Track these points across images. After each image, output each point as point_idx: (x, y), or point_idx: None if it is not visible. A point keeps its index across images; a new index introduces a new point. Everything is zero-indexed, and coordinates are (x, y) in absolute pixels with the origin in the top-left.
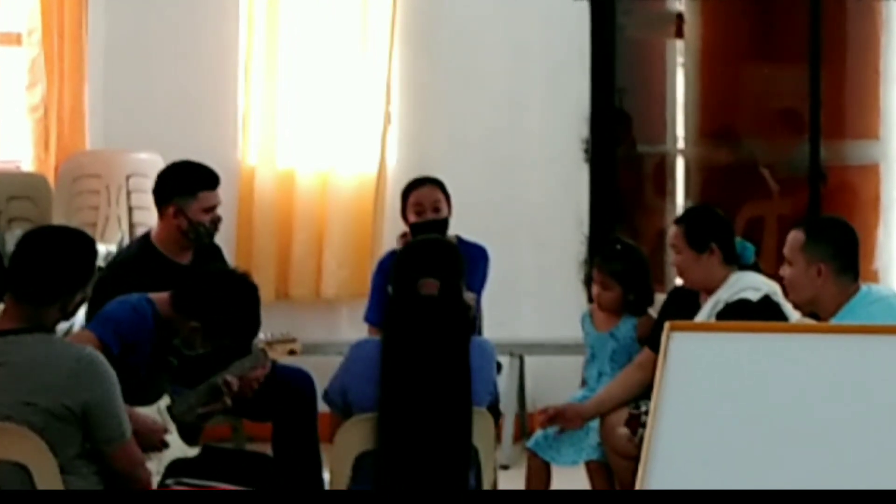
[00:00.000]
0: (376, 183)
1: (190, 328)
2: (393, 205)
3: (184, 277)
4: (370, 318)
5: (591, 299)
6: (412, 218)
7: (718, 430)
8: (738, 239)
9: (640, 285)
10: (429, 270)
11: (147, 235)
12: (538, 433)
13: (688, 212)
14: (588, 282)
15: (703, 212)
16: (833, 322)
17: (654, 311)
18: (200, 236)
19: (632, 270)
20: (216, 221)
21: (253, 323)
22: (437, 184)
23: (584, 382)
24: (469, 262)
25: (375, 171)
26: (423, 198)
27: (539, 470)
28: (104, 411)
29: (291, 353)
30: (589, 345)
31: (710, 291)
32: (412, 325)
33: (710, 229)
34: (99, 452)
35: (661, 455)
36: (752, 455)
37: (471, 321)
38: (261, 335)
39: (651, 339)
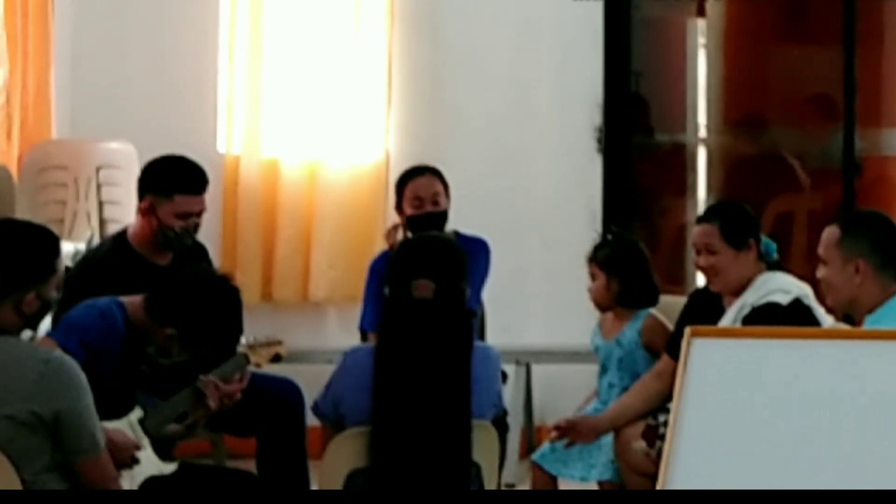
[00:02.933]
0: (384, 174)
1: (165, 335)
2: (393, 199)
3: (159, 280)
4: (365, 326)
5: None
6: (409, 210)
7: (743, 444)
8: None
9: (633, 275)
10: (423, 271)
11: (123, 233)
12: (545, 445)
13: (717, 207)
14: None
15: (734, 206)
16: (869, 322)
17: (670, 315)
18: (169, 241)
19: (622, 258)
20: (190, 229)
21: (234, 329)
22: (436, 173)
23: (598, 393)
24: (468, 258)
25: (370, 162)
26: (422, 189)
27: (544, 485)
28: (76, 419)
29: (277, 357)
30: (600, 356)
31: (737, 294)
32: (406, 331)
33: (747, 223)
34: (69, 465)
35: (680, 470)
36: (780, 471)
37: (472, 326)
38: (242, 338)
39: (670, 346)
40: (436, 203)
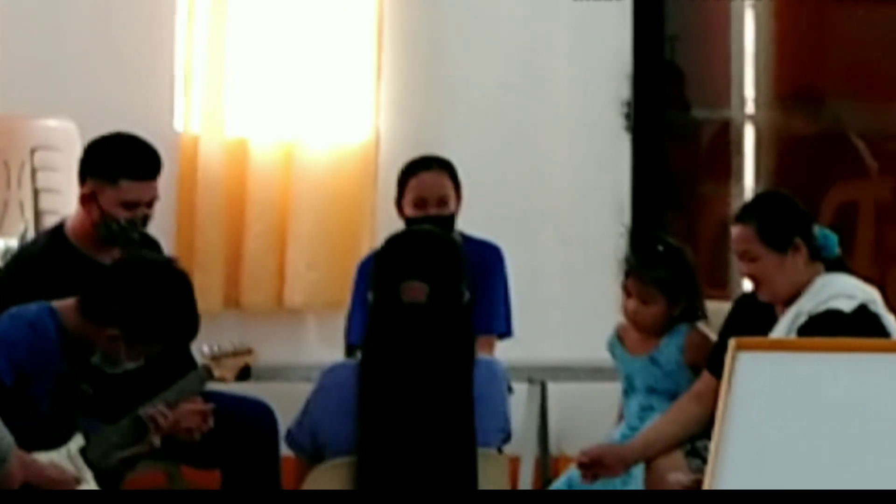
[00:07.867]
0: (373, 157)
1: (108, 338)
2: (384, 187)
3: (93, 275)
4: (354, 340)
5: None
6: (409, 210)
7: (795, 473)
8: (817, 227)
9: (689, 296)
10: (413, 271)
11: (60, 226)
12: (560, 480)
13: (753, 204)
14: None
15: (774, 199)
16: None
17: (711, 325)
18: (112, 234)
19: (680, 278)
20: (137, 221)
21: (187, 319)
22: (446, 167)
23: (621, 418)
24: (482, 267)
25: (356, 143)
26: (427, 188)
27: None
28: None
29: (246, 370)
30: (624, 374)
31: (790, 301)
32: (395, 342)
33: (791, 219)
34: None
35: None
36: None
37: (473, 335)
38: (204, 348)
39: (712, 362)
40: (442, 205)
